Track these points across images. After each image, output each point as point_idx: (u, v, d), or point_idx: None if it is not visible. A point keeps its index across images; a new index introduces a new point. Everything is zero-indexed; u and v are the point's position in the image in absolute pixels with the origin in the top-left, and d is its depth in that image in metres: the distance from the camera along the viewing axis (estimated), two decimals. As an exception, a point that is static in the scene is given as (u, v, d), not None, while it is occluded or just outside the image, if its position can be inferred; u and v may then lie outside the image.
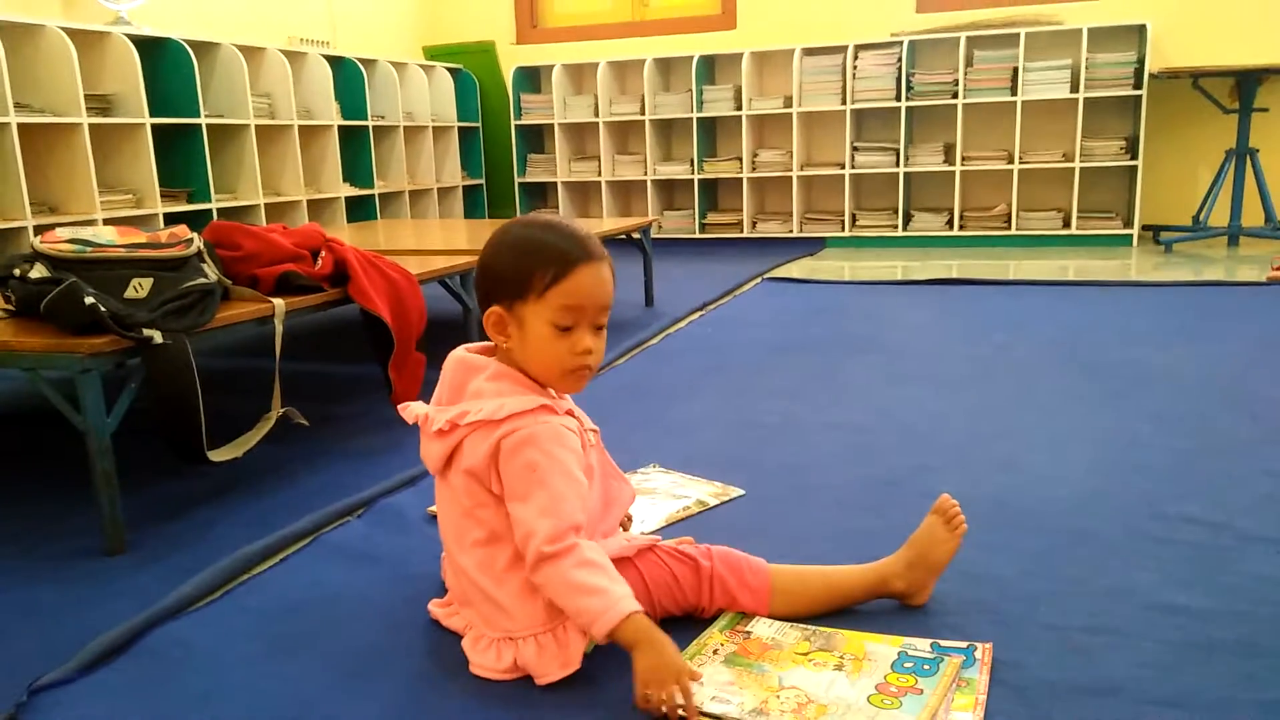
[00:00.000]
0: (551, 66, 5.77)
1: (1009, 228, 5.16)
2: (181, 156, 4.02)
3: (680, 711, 1.07)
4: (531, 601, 1.20)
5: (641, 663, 1.09)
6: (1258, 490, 1.72)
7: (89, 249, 1.68)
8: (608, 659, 1.18)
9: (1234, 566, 1.43)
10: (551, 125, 5.86)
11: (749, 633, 1.26)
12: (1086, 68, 4.88)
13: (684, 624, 1.29)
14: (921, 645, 1.22)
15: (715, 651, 1.22)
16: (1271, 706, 1.09)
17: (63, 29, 3.46)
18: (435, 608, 1.35)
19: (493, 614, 1.22)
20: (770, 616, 1.30)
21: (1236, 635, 1.24)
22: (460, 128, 5.91)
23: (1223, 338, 2.90)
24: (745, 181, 5.54)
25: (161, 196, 3.80)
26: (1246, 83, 4.67)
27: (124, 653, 1.28)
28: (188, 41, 3.96)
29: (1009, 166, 5.10)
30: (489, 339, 1.29)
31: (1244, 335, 2.92)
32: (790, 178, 5.47)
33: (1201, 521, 1.59)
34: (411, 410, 1.31)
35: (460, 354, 1.30)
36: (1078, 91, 4.91)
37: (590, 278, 1.23)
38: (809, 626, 1.28)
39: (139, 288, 1.68)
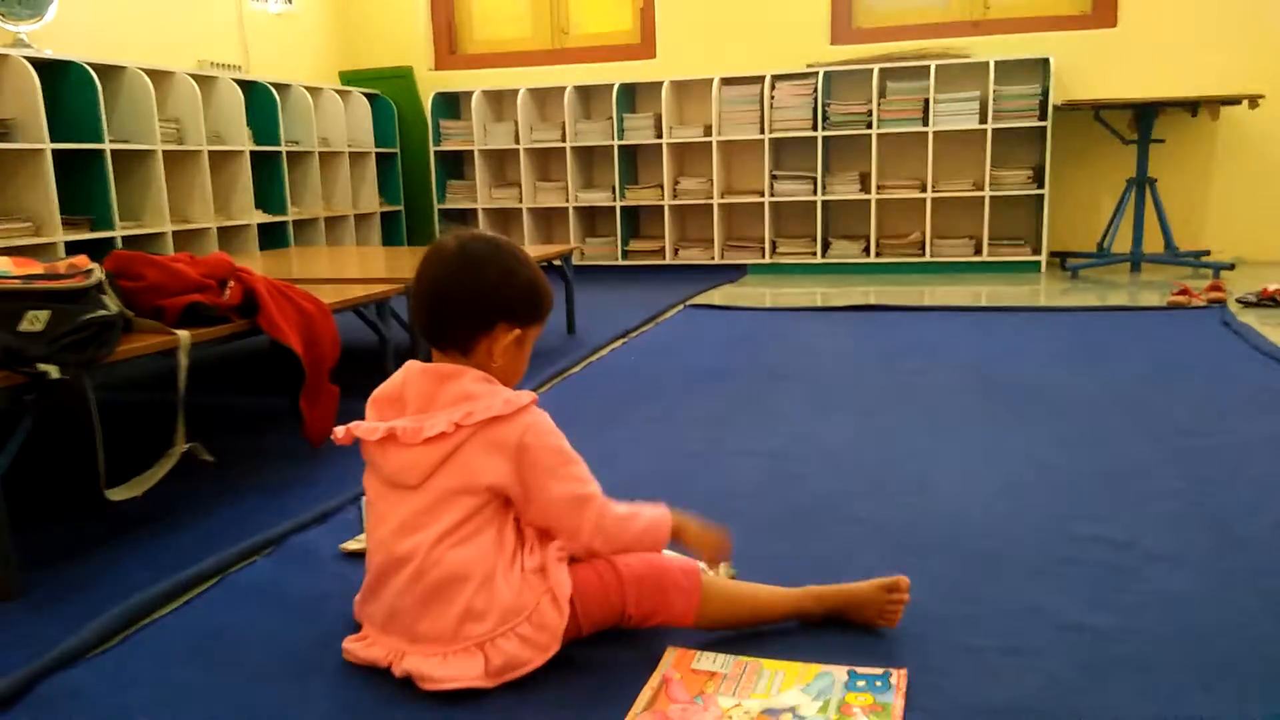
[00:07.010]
0: (471, 93, 5.75)
1: (923, 255, 5.29)
2: (84, 183, 3.88)
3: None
4: (527, 582, 1.25)
5: (693, 533, 1.39)
6: (1161, 509, 1.77)
7: (-20, 280, 1.61)
8: (546, 678, 1.15)
9: (1139, 585, 1.47)
10: (471, 151, 5.83)
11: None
12: (994, 99, 5.05)
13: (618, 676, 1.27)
14: (839, 673, 1.23)
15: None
16: (1175, 723, 1.11)
17: (-43, 50, 3.33)
18: (350, 643, 1.31)
19: (467, 620, 1.21)
20: (697, 624, 1.31)
21: (1140, 652, 1.27)
22: (378, 154, 5.83)
23: (1127, 361, 3.00)
24: (667, 209, 5.58)
25: (63, 225, 3.66)
26: (1144, 115, 4.87)
27: (14, 704, 1.21)
28: (91, 64, 3.84)
29: (922, 195, 5.23)
30: (457, 357, 1.30)
31: (1147, 358, 3.03)
32: (711, 205, 5.53)
33: (1108, 541, 1.63)
34: (362, 428, 1.29)
35: (422, 365, 1.31)
36: (986, 122, 5.06)
37: None
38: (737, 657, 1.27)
39: (35, 320, 1.61)
